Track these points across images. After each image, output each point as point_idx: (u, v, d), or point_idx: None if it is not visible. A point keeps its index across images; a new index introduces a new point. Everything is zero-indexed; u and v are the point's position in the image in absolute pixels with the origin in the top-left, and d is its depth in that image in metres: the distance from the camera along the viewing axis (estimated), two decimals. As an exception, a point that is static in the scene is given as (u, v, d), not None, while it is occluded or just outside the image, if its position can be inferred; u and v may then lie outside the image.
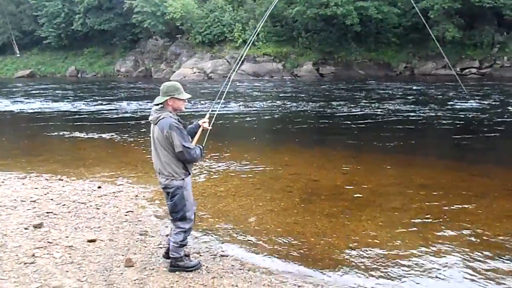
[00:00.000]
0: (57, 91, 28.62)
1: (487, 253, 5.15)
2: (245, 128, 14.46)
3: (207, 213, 6.45)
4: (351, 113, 16.46)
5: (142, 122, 15.35)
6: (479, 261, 4.97)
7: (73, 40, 48.87)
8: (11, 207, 6.62)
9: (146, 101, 21.68)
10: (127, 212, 6.49)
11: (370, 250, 5.25)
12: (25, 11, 51.19)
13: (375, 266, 4.87)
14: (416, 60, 35.75)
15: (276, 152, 11.06)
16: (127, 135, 13.20)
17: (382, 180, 8.11)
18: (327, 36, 36.48)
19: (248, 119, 15.76)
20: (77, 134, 13.67)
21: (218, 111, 5.50)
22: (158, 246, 5.28)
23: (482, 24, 34.00)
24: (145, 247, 5.26)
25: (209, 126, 4.80)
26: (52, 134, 13.94)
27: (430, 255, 5.10)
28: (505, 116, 15.06)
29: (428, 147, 11.62)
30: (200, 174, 8.42)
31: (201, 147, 4.55)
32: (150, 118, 4.51)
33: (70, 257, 4.94)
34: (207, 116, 4.86)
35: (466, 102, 18.48)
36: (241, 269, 4.74)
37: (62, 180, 8.27)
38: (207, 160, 9.36)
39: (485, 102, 18.45)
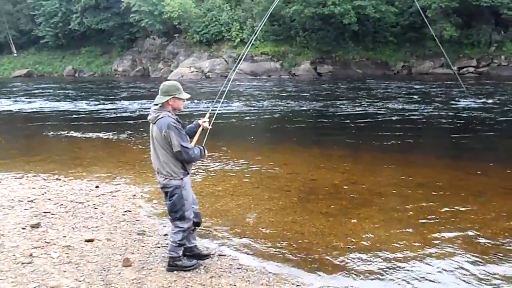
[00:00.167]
0: (54, 91, 28.56)
1: (484, 252, 5.16)
2: (243, 127, 14.45)
3: (205, 212, 6.43)
4: (349, 112, 16.47)
5: (140, 121, 15.33)
6: (477, 259, 4.97)
7: (71, 40, 48.77)
8: (8, 207, 6.61)
9: (144, 100, 21.66)
10: (124, 211, 6.48)
11: (368, 249, 5.25)
12: (22, 10, 51.05)
13: (373, 265, 4.88)
14: (413, 59, 35.80)
15: (274, 152, 11.06)
16: (125, 134, 13.17)
17: (380, 179, 8.12)
18: (324, 35, 36.49)
19: (245, 118, 15.75)
20: (74, 133, 13.64)
21: (218, 110, 5.48)
22: (156, 246, 5.27)
23: (479, 23, 34.06)
24: (143, 246, 5.25)
25: (209, 125, 4.79)
26: (50, 133, 13.91)
27: (428, 254, 5.11)
28: (503, 115, 15.09)
29: (426, 146, 11.64)
30: (198, 174, 8.41)
31: (202, 148, 4.54)
32: (149, 117, 4.51)
33: (67, 257, 4.93)
34: (207, 115, 4.85)
35: (464, 101, 18.51)
36: (239, 268, 4.74)
37: (59, 179, 8.25)
38: (205, 159, 9.33)
39: (483, 101, 18.49)
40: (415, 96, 20.59)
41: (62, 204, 6.75)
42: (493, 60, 33.68)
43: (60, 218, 6.18)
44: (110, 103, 21.07)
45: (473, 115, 15.31)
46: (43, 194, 7.28)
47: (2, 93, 28.24)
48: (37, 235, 5.53)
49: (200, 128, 4.74)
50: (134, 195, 7.28)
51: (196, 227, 4.79)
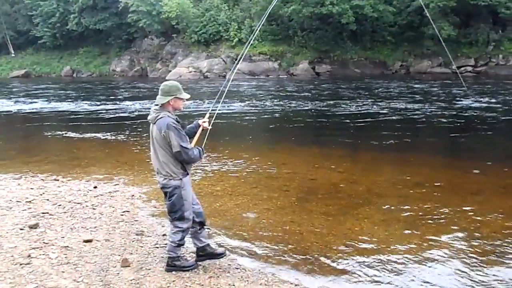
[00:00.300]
0: (52, 91, 28.52)
1: (482, 250, 5.16)
2: (241, 127, 14.44)
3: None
4: (348, 112, 16.47)
5: (138, 121, 15.32)
6: (475, 258, 4.98)
7: (68, 40, 48.68)
8: (7, 207, 6.59)
9: (142, 101, 21.65)
10: (123, 212, 6.47)
11: (367, 249, 5.25)
12: (19, 10, 50.94)
13: (371, 264, 4.88)
14: (411, 58, 35.85)
15: (273, 151, 11.06)
16: (123, 135, 13.16)
17: (379, 179, 8.12)
18: (322, 35, 36.51)
19: (244, 118, 15.74)
20: (73, 134, 13.62)
21: (220, 110, 5.46)
22: (155, 246, 5.26)
23: (477, 22, 34.12)
24: (142, 247, 5.24)
25: (209, 125, 4.79)
26: (48, 134, 13.89)
27: (427, 254, 5.11)
28: (501, 114, 15.11)
29: (425, 146, 11.64)
30: (196, 174, 8.40)
31: (200, 149, 4.53)
32: (149, 117, 4.50)
33: (66, 257, 4.92)
34: (207, 115, 4.85)
35: (462, 101, 18.54)
36: (237, 268, 4.74)
37: (58, 180, 8.23)
38: (203, 159, 9.33)
39: (481, 100, 18.51)
40: (413, 96, 20.61)
41: (60, 205, 6.73)
42: (491, 59, 33.74)
43: (58, 218, 6.17)
44: (108, 104, 21.05)
45: (471, 114, 15.32)
46: (41, 194, 7.26)
47: (0, 93, 28.18)
48: (35, 235, 5.52)
49: (200, 129, 4.73)
50: (133, 196, 7.27)
51: (203, 226, 4.75)
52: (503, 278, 4.56)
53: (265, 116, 16.53)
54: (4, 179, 8.30)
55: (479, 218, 6.09)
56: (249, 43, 7.18)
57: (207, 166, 9.03)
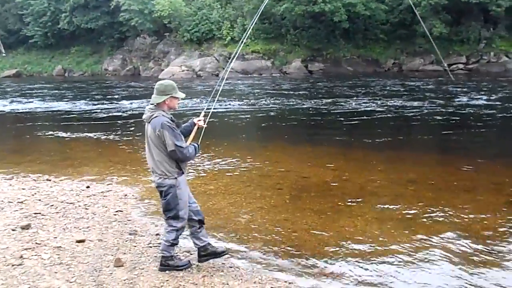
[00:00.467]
0: (44, 91, 28.32)
1: (475, 246, 5.20)
2: (234, 126, 14.43)
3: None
4: (341, 110, 16.51)
5: (131, 121, 15.26)
6: (468, 254, 5.01)
7: (60, 39, 48.31)
8: (-2, 208, 6.54)
9: (135, 100, 21.56)
10: (116, 211, 6.44)
11: (360, 245, 5.26)
12: (10, 10, 50.48)
13: (365, 261, 4.89)
14: (404, 56, 35.96)
15: (266, 150, 11.05)
16: (116, 134, 13.10)
17: (372, 176, 8.14)
18: (315, 33, 36.54)
19: (237, 116, 15.72)
20: (65, 134, 13.53)
21: (214, 109, 5.45)
22: (148, 246, 5.25)
23: (468, 20, 34.29)
24: (135, 246, 5.23)
25: (204, 124, 4.79)
26: (40, 134, 13.80)
27: (420, 250, 5.13)
28: (493, 112, 15.20)
29: (417, 143, 11.69)
30: (189, 172, 8.38)
31: (196, 145, 4.53)
32: (144, 116, 4.49)
33: (58, 258, 4.89)
34: (202, 114, 4.85)
35: (454, 98, 18.64)
36: (231, 267, 4.73)
37: (50, 180, 8.18)
38: (196, 158, 9.31)
39: (473, 97, 18.62)
40: (406, 93, 20.68)
41: (52, 205, 6.69)
42: (482, 57, 33.94)
43: (50, 219, 6.13)
44: (101, 103, 20.94)
45: (464, 111, 15.41)
46: (33, 195, 7.22)
47: (-9, 93, 27.96)
48: (27, 236, 5.48)
49: (196, 127, 4.74)
50: (126, 195, 7.24)
51: (203, 225, 4.73)
52: (496, 275, 4.59)
53: (258, 114, 16.52)
54: (-5, 180, 8.24)
55: (471, 215, 6.13)
56: (242, 41, 7.17)
57: (200, 165, 9.01)
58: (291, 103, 18.90)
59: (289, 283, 4.44)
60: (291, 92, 23.06)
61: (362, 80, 28.12)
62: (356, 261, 4.91)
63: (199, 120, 4.76)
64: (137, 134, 12.89)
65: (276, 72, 36.14)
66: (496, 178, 7.96)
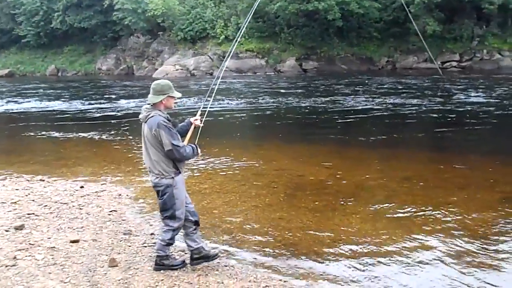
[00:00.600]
0: (37, 91, 28.15)
1: (469, 243, 5.22)
2: (229, 125, 14.41)
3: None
4: (335, 108, 16.53)
5: (125, 120, 15.21)
6: (462, 251, 5.03)
7: (53, 38, 48.03)
8: (-9, 209, 6.49)
9: (129, 99, 21.48)
10: (110, 211, 6.42)
11: (355, 243, 5.27)
12: (2, 9, 50.07)
13: (360, 259, 4.90)
14: (397, 54, 36.07)
15: (261, 148, 11.05)
16: (110, 134, 13.05)
17: (366, 174, 8.16)
18: (309, 32, 36.57)
19: (232, 115, 15.70)
20: (59, 134, 13.46)
21: (209, 108, 5.43)
22: (143, 245, 5.23)
23: (461, 17, 34.44)
24: (129, 246, 5.21)
25: (200, 123, 4.77)
26: (33, 134, 13.71)
27: (414, 247, 5.15)
28: (486, 109, 15.28)
29: (411, 140, 11.72)
30: (184, 172, 8.35)
31: (194, 146, 4.52)
32: (140, 116, 4.48)
33: (52, 258, 4.87)
34: (199, 113, 4.84)
35: (448, 95, 18.71)
36: (226, 266, 4.73)
37: (43, 180, 8.14)
38: (198, 157, 9.29)
39: (466, 95, 18.70)
40: (400, 91, 20.74)
41: (46, 205, 6.66)
42: (475, 55, 34.12)
43: (44, 219, 6.10)
44: (95, 103, 20.85)
45: (457, 109, 15.47)
46: (26, 195, 7.17)
47: (-16, 93, 27.76)
48: (21, 237, 5.45)
49: (192, 127, 4.73)
50: (120, 195, 7.21)
51: (198, 226, 4.69)
52: (490, 273, 4.61)
53: (253, 113, 16.51)
54: (-12, 180, 8.18)
55: (466, 212, 6.15)
56: (237, 40, 7.15)
57: (195, 164, 8.99)
58: (286, 101, 18.90)
59: (284, 281, 4.44)
60: (286, 91, 23.06)
61: (356, 78, 28.16)
62: (350, 260, 4.92)
63: (196, 120, 4.75)
64: (131, 133, 12.85)
65: (270, 71, 36.14)
66: (490, 175, 7.99)
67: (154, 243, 5.21)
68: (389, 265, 4.77)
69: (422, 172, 8.33)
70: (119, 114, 17.09)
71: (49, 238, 5.44)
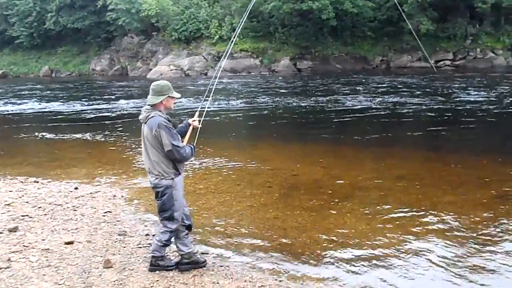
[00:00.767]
0: (31, 92, 28.02)
1: (464, 241, 5.24)
2: (223, 125, 14.40)
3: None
4: (330, 108, 16.56)
5: (120, 121, 15.17)
6: (457, 249, 5.05)
7: (46, 39, 47.85)
8: (-15, 211, 6.45)
9: (123, 100, 21.41)
10: (105, 212, 6.39)
11: (350, 243, 5.28)
12: (-5, 10, 49.90)
13: (355, 258, 4.91)
14: (391, 53, 36.20)
15: (255, 148, 11.05)
16: (104, 135, 13.01)
17: (361, 173, 8.18)
18: (303, 31, 36.61)
19: (226, 115, 15.70)
20: (52, 135, 13.40)
21: (207, 108, 5.41)
22: (138, 246, 5.21)
23: (455, 16, 34.60)
24: (124, 247, 5.19)
25: (199, 124, 4.77)
26: (27, 135, 13.64)
27: (409, 246, 5.16)
28: (480, 107, 15.35)
29: (406, 139, 11.75)
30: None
31: (192, 146, 4.51)
32: (140, 117, 4.47)
33: (47, 260, 4.84)
34: (197, 114, 4.84)
35: (443, 94, 18.78)
36: (221, 266, 4.72)
37: (37, 182, 8.10)
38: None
39: (459, 93, 18.79)
40: (394, 90, 20.81)
41: (40, 207, 6.62)
42: (469, 53, 34.29)
43: (38, 221, 6.06)
44: (89, 104, 20.78)
45: (451, 108, 15.53)
46: (20, 197, 7.13)
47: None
48: (15, 239, 5.41)
49: (191, 128, 4.73)
50: (115, 196, 7.19)
51: (190, 231, 4.67)
52: (485, 269, 4.63)
53: (248, 113, 16.51)
54: (-18, 182, 8.13)
55: (460, 210, 6.18)
56: (233, 41, 7.14)
57: (190, 164, 8.97)
58: (281, 101, 18.92)
59: (280, 281, 4.44)
60: (280, 91, 23.08)
61: (350, 77, 28.23)
62: (346, 258, 4.92)
63: (194, 121, 4.75)
64: (126, 134, 12.82)
65: (264, 71, 36.15)
66: (482, 172, 8.03)
67: (149, 244, 5.21)
68: (384, 265, 4.77)
69: (417, 171, 8.36)
70: (113, 115, 17.04)
71: (43, 239, 5.41)
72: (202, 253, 5.00)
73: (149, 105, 4.43)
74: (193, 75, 36.08)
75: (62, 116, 17.52)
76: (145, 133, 4.39)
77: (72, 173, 8.77)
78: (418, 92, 19.66)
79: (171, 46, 40.55)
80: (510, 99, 16.94)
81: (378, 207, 6.38)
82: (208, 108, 5.38)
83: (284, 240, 5.38)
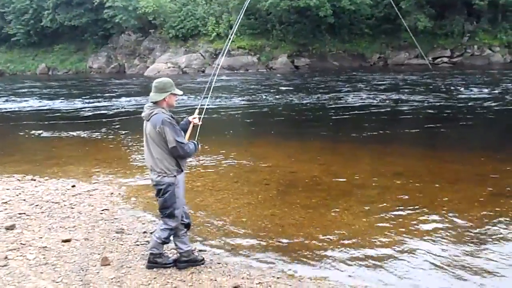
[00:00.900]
0: (28, 90, 27.95)
1: (461, 237, 5.26)
2: (221, 122, 14.39)
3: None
4: (327, 105, 16.56)
5: (117, 119, 15.14)
6: (454, 245, 5.06)
7: (43, 37, 47.67)
8: (-18, 209, 6.43)
9: (120, 98, 21.37)
10: (102, 210, 6.38)
11: (347, 240, 5.29)
12: (-9, 8, 49.69)
13: (352, 255, 4.91)
14: (389, 50, 36.21)
15: (253, 145, 11.05)
16: (101, 132, 12.98)
17: (359, 170, 8.18)
18: (301, 28, 36.58)
19: (224, 112, 15.69)
20: (49, 133, 13.37)
21: (206, 106, 5.41)
22: (135, 244, 5.21)
23: (452, 13, 34.62)
24: (122, 245, 5.19)
25: (199, 121, 4.77)
26: (24, 133, 13.60)
27: (406, 243, 5.17)
28: (477, 104, 15.37)
29: (403, 136, 11.77)
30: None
31: (195, 142, 4.52)
32: (143, 114, 4.46)
33: (44, 258, 4.84)
34: (196, 112, 4.84)
35: (439, 91, 18.80)
36: (219, 264, 4.72)
37: (34, 180, 8.07)
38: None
39: (457, 90, 18.81)
40: (392, 87, 20.82)
41: (37, 205, 6.61)
42: (466, 50, 34.33)
43: (35, 219, 6.05)
44: (86, 101, 20.72)
45: (449, 104, 15.55)
46: (17, 195, 7.11)
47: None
48: (12, 237, 5.40)
49: (191, 125, 4.73)
50: (112, 193, 7.18)
51: (188, 229, 4.69)
52: (482, 266, 4.64)
53: (245, 110, 16.50)
54: (-22, 180, 8.10)
55: (457, 206, 6.19)
56: (230, 38, 7.12)
57: (187, 161, 8.95)
58: (278, 98, 18.91)
59: (277, 278, 4.44)
60: (278, 88, 23.07)
61: (348, 75, 28.23)
62: (343, 255, 4.93)
63: (194, 118, 4.75)
64: (123, 132, 12.80)
65: (262, 68, 36.12)
66: (480, 169, 8.05)
67: (147, 241, 5.21)
68: (382, 261, 4.78)
69: (414, 167, 8.37)
70: (110, 112, 17.00)
71: (41, 237, 5.40)
72: (200, 251, 5.01)
73: (151, 102, 4.42)
74: (191, 73, 36.02)
75: (59, 114, 17.48)
76: (148, 130, 4.37)
77: (69, 171, 8.76)
78: (415, 89, 19.66)
79: (168, 44, 40.48)
80: (508, 96, 16.97)
81: (376, 204, 6.39)
82: (207, 105, 5.37)
83: (281, 237, 5.38)
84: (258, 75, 31.62)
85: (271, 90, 21.89)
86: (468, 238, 5.24)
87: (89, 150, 11.04)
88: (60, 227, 5.76)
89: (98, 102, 20.28)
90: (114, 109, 17.83)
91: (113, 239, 5.34)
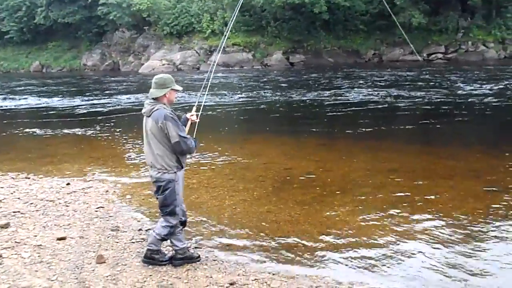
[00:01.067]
0: (22, 88, 27.80)
1: (456, 233, 5.28)
2: (216, 119, 14.37)
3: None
4: (322, 101, 16.57)
5: (111, 117, 15.07)
6: (449, 241, 5.08)
7: (36, 34, 47.40)
8: (-24, 208, 6.40)
9: (115, 95, 21.29)
10: (97, 208, 6.37)
11: (343, 236, 5.30)
12: (-16, 5, 49.31)
13: (348, 252, 4.93)
14: (384, 46, 36.26)
15: (248, 142, 11.05)
16: (96, 130, 12.94)
17: (353, 166, 8.20)
18: (295, 25, 36.57)
19: (219, 109, 15.67)
20: (44, 130, 13.30)
21: (203, 103, 5.40)
22: (131, 241, 5.20)
23: (446, 10, 34.70)
24: (117, 242, 5.18)
25: (196, 119, 4.77)
26: (18, 131, 13.53)
27: (402, 239, 5.19)
28: (471, 100, 15.43)
29: (398, 133, 11.79)
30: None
31: (195, 140, 4.51)
32: (143, 110, 4.45)
33: (39, 256, 4.82)
34: (194, 109, 4.83)
35: (433, 87, 18.85)
36: (215, 260, 4.73)
37: (29, 178, 8.04)
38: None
39: (451, 87, 18.87)
40: (387, 84, 20.86)
41: (32, 203, 6.58)
42: (460, 46, 34.44)
43: (30, 217, 6.03)
44: (80, 99, 20.64)
45: (441, 101, 15.59)
46: (12, 193, 7.08)
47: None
48: (6, 235, 5.38)
49: (189, 122, 4.72)
50: (107, 191, 7.16)
51: (184, 227, 4.68)
52: (477, 261, 4.67)
53: (240, 107, 16.48)
54: (-28, 179, 8.06)
55: (451, 202, 6.22)
56: (226, 36, 7.10)
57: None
58: (273, 95, 18.90)
59: (273, 274, 4.45)
60: (273, 84, 23.07)
61: (343, 71, 28.25)
62: (339, 251, 4.94)
63: (192, 115, 4.75)
64: (118, 129, 12.76)
65: (257, 65, 36.10)
66: (473, 165, 8.09)
67: (142, 239, 5.21)
68: (377, 258, 4.80)
69: (408, 163, 8.40)
70: (105, 110, 16.95)
71: (35, 236, 5.38)
72: (195, 248, 5.01)
73: (152, 98, 4.41)
74: (185, 70, 35.94)
75: (53, 112, 17.40)
76: (149, 126, 4.35)
77: (64, 168, 8.72)
78: (410, 86, 19.71)
79: (163, 41, 40.37)
80: (503, 92, 17.04)
81: (371, 200, 6.41)
82: (205, 102, 5.38)
83: (277, 234, 5.39)
84: (253, 72, 31.59)
85: (266, 87, 21.88)
86: (463, 234, 5.26)
87: (84, 148, 11.01)
88: (55, 225, 5.74)
89: (93, 99, 20.20)
90: (109, 106, 17.77)
91: (108, 237, 5.33)
